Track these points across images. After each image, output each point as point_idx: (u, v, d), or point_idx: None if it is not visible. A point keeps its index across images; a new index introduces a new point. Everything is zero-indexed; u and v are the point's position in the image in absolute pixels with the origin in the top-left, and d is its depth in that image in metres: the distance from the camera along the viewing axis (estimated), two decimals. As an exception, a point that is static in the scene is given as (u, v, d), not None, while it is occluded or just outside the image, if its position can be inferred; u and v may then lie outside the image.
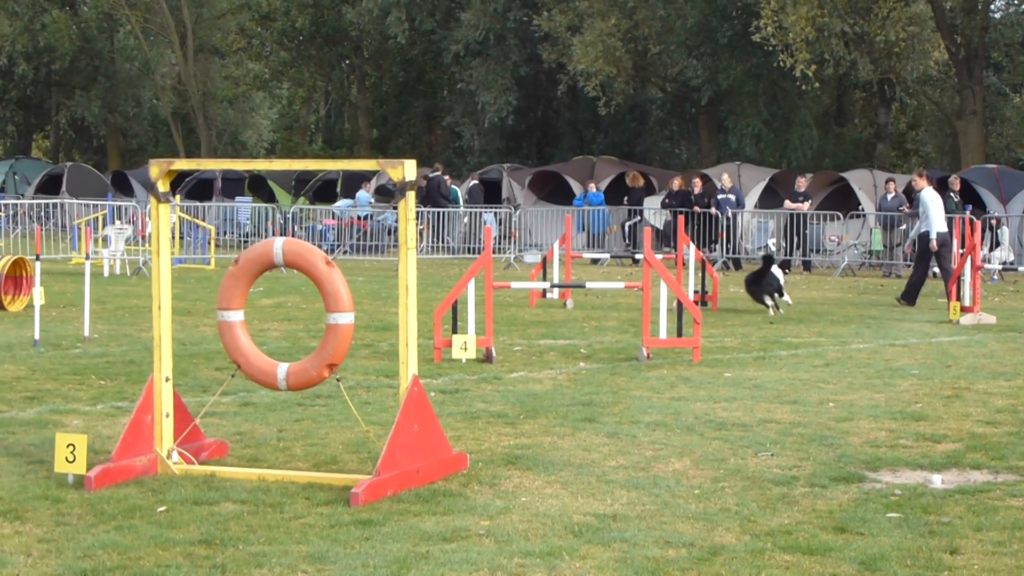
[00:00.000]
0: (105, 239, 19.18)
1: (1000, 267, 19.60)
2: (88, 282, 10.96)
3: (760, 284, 13.91)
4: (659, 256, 11.42)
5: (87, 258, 11.45)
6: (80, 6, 41.24)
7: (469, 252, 23.15)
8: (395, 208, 20.20)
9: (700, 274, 14.56)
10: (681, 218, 16.20)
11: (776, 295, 13.97)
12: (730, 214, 22.36)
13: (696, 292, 14.11)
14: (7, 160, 39.15)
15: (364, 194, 25.76)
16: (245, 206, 26.37)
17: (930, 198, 15.21)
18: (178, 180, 27.64)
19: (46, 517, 5.08)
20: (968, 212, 19.69)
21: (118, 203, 23.06)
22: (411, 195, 5.62)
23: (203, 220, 22.64)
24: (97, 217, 20.83)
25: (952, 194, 20.95)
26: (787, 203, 22.38)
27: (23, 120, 44.85)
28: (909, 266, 21.41)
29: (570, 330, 11.89)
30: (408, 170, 5.62)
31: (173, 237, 19.90)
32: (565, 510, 5.27)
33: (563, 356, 10.07)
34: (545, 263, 14.77)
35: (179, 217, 20.96)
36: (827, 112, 34.68)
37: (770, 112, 29.84)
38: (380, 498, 5.35)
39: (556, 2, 29.41)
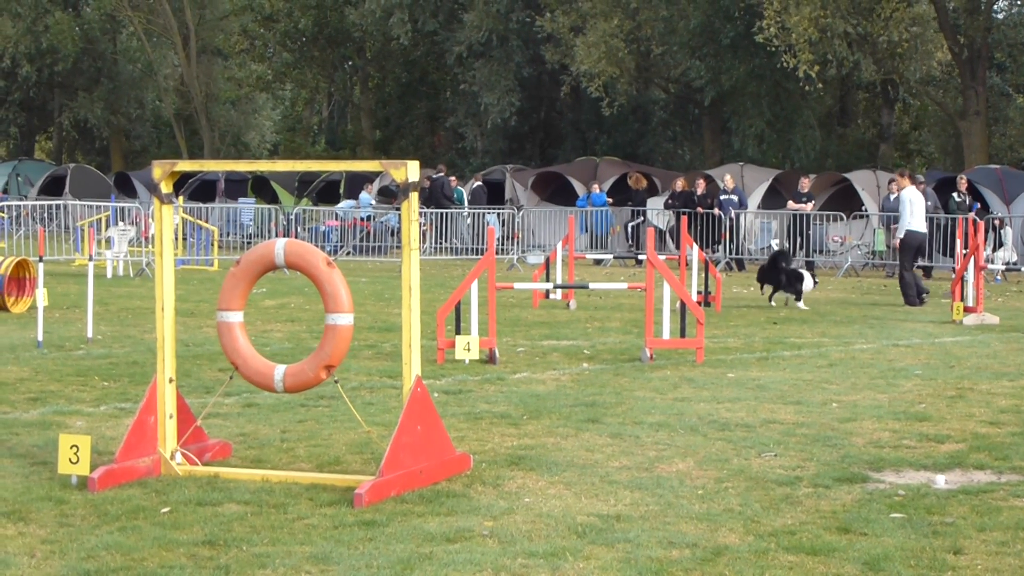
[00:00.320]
0: (108, 240, 19.20)
1: (1003, 267, 19.56)
2: (91, 283, 10.97)
3: (779, 276, 14.23)
4: (662, 256, 11.41)
5: (90, 259, 11.45)
6: (83, 7, 41.29)
7: (472, 253, 23.15)
8: (398, 209, 20.20)
9: (703, 275, 14.55)
10: (684, 219, 16.18)
11: (791, 293, 14.30)
12: (733, 215, 22.35)
13: (699, 293, 14.11)
14: (10, 162, 39.21)
15: (366, 195, 25.77)
16: (248, 207, 26.40)
17: (910, 198, 15.32)
18: (181, 181, 27.66)
19: (50, 518, 5.09)
20: (974, 212, 19.67)
21: (121, 204, 23.08)
22: (414, 196, 5.62)
23: (206, 221, 22.66)
24: (100, 218, 20.86)
25: (956, 194, 20.94)
26: (790, 204, 22.37)
27: (26, 122, 44.92)
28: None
29: (573, 331, 11.89)
30: (411, 171, 5.62)
31: (176, 238, 19.92)
32: (568, 511, 5.27)
33: (566, 357, 10.07)
34: (548, 264, 14.77)
35: (182, 218, 20.98)
36: (830, 113, 34.66)
37: (773, 113, 29.82)
38: (384, 499, 5.35)
39: (559, 3, 29.41)
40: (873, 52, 26.36)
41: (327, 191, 30.33)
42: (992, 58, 30.90)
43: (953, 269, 20.26)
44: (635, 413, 7.47)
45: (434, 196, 24.14)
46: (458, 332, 9.96)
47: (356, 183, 28.61)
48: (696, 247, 14.56)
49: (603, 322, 12.79)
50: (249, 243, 24.03)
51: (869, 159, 32.38)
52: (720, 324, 12.52)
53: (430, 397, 5.83)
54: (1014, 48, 32.24)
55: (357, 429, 6.80)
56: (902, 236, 15.23)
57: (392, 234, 24.41)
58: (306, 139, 46.14)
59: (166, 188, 5.97)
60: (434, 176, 24.62)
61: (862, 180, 24.33)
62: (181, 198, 24.26)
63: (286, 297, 15.07)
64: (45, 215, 24.67)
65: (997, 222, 21.27)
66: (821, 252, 22.49)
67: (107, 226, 20.15)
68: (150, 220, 20.18)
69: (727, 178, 23.07)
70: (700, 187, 23.00)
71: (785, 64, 25.30)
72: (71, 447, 5.55)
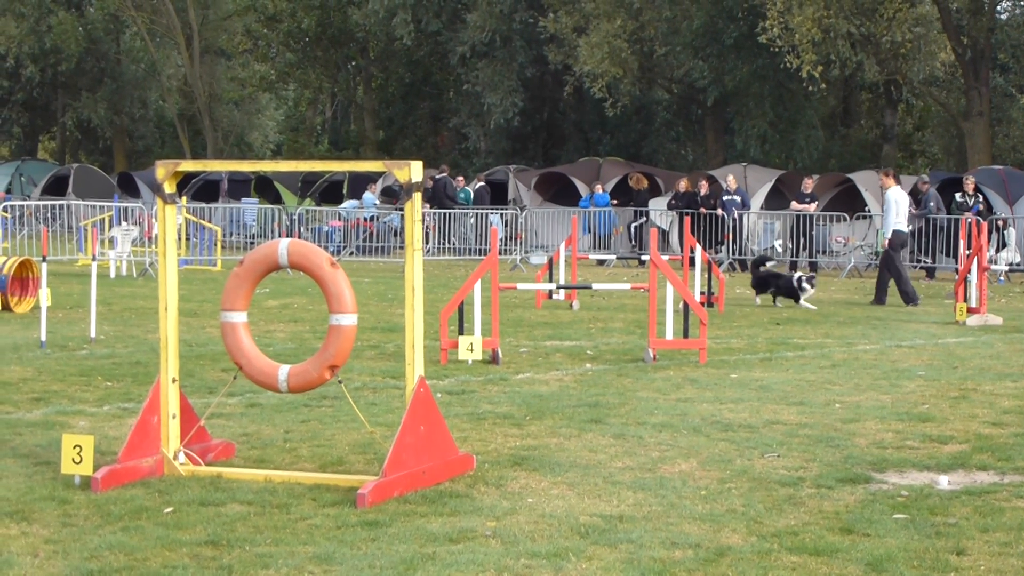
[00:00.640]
0: (111, 240, 19.21)
1: (1007, 268, 19.55)
2: (94, 283, 10.98)
3: (767, 282, 14.31)
4: (665, 257, 11.42)
5: (93, 259, 11.46)
6: (86, 7, 41.34)
7: (475, 253, 23.16)
8: (401, 209, 20.11)
9: (706, 275, 14.55)
10: (688, 219, 16.18)
11: (789, 298, 14.38)
12: (736, 215, 22.34)
13: (702, 293, 14.10)
14: (13, 161, 39.24)
15: (369, 195, 25.78)
16: (251, 207, 26.41)
17: (895, 198, 15.41)
18: (184, 181, 27.69)
19: (53, 518, 5.09)
20: (973, 213, 19.66)
21: (124, 204, 23.11)
22: (417, 196, 5.62)
23: (209, 221, 22.68)
24: (103, 218, 20.88)
25: (959, 194, 20.92)
26: (793, 204, 22.36)
27: (29, 121, 44.96)
28: (915, 266, 21.43)
29: (576, 331, 11.89)
30: (414, 171, 5.63)
31: (179, 238, 19.92)
32: (571, 511, 5.27)
33: (569, 357, 10.07)
34: (551, 264, 14.77)
35: (185, 218, 20.99)
36: (833, 113, 34.64)
37: (776, 113, 29.80)
38: (386, 499, 5.35)
39: (562, 3, 29.40)
40: (876, 53, 26.33)
41: (330, 191, 30.34)
42: (995, 59, 30.87)
43: (956, 270, 20.27)
44: (638, 414, 7.47)
45: (437, 196, 24.15)
46: (461, 332, 9.97)
47: (359, 183, 28.62)
48: (699, 248, 14.56)
49: (606, 323, 12.79)
50: (252, 243, 24.04)
51: (872, 160, 32.35)
52: (723, 325, 12.51)
53: (433, 397, 5.83)
54: (1017, 49, 32.22)
55: (360, 429, 6.80)
56: (888, 236, 15.30)
57: (395, 234, 24.42)
58: (309, 139, 46.15)
59: (169, 188, 5.98)
60: (437, 176, 24.62)
61: (865, 181, 24.30)
62: (184, 198, 24.27)
63: (289, 297, 15.08)
64: (48, 215, 24.69)
65: (1000, 223, 21.25)
66: (824, 253, 22.47)
67: (110, 226, 20.17)
68: (153, 220, 20.20)
69: (730, 178, 23.07)
70: (703, 188, 22.99)
71: (788, 64, 25.28)
72: (74, 447, 5.56)
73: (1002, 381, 8.96)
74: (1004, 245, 21.05)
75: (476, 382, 8.67)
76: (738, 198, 22.51)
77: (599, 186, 25.55)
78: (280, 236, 22.63)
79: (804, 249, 22.00)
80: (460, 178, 26.07)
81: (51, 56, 38.38)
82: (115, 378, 8.62)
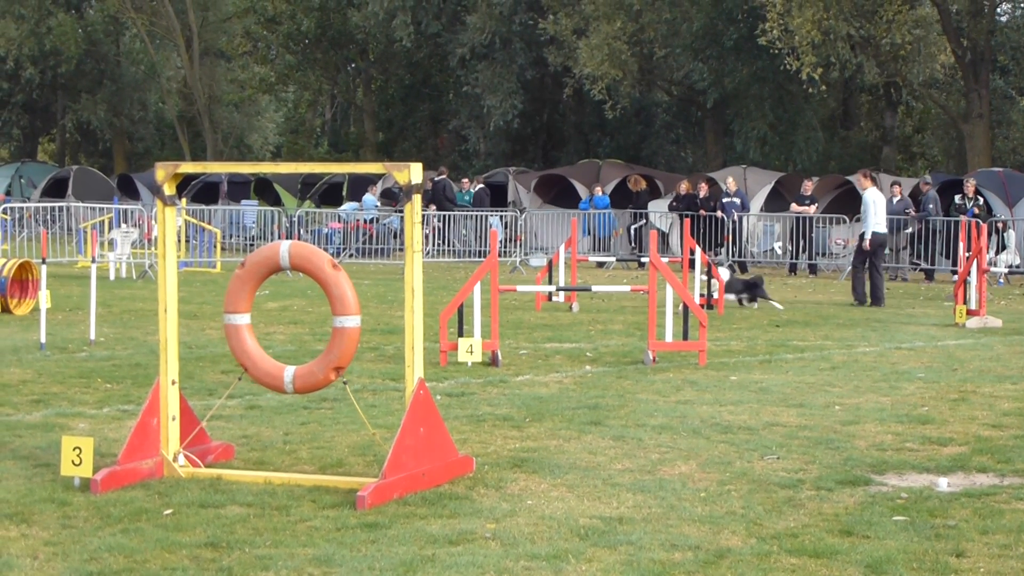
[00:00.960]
0: (111, 242, 19.21)
1: (1006, 270, 19.55)
2: (94, 285, 10.98)
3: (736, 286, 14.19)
4: (665, 259, 11.42)
5: (93, 261, 11.47)
6: (86, 9, 41.36)
7: (475, 255, 23.16)
8: (401, 211, 20.10)
9: (706, 277, 14.54)
10: (687, 221, 16.18)
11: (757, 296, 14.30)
12: (735, 217, 22.35)
13: (702, 295, 14.10)
14: (13, 163, 39.24)
15: (370, 198, 25.77)
16: (251, 209, 26.41)
17: (872, 199, 15.50)
18: (184, 183, 27.68)
19: (52, 520, 5.09)
20: (970, 216, 19.69)
21: (124, 206, 23.10)
22: (417, 198, 5.63)
23: (209, 223, 22.68)
24: (103, 220, 20.88)
25: (958, 196, 20.94)
26: (793, 206, 22.37)
27: (29, 123, 44.97)
28: (914, 269, 21.44)
29: (576, 333, 11.89)
30: (414, 173, 5.63)
31: (179, 240, 19.92)
32: (571, 513, 5.27)
33: (569, 359, 10.07)
34: (551, 266, 14.77)
35: (185, 220, 20.99)
36: (833, 115, 34.64)
37: (776, 115, 29.81)
38: (386, 501, 5.35)
39: (562, 5, 29.41)
40: (876, 55, 26.35)
41: (330, 193, 30.34)
42: (995, 61, 30.87)
43: (953, 272, 20.28)
44: (637, 416, 7.47)
45: (436, 198, 24.15)
46: (461, 334, 9.97)
47: (359, 185, 28.62)
48: (699, 250, 14.56)
49: (606, 325, 12.79)
50: (252, 245, 24.04)
51: (872, 162, 32.35)
52: (722, 327, 12.51)
53: (433, 399, 5.83)
54: (1017, 51, 32.21)
55: (360, 431, 6.80)
56: (868, 238, 15.39)
57: (394, 236, 24.42)
58: (309, 141, 46.16)
59: (169, 190, 5.98)
60: (436, 179, 24.62)
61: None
62: (184, 200, 24.28)
63: (288, 299, 15.08)
64: (48, 217, 24.69)
65: (1000, 225, 21.26)
66: (824, 255, 22.48)
67: (110, 228, 20.18)
68: (153, 222, 20.21)
69: (729, 180, 23.07)
70: (703, 190, 23.00)
71: (788, 67, 25.29)
72: (74, 449, 5.56)
73: (1002, 383, 8.96)
74: (1004, 247, 21.06)
75: (476, 384, 8.67)
76: (738, 200, 22.52)
77: (599, 188, 25.56)
78: (280, 238, 22.64)
79: (804, 251, 22.00)
80: (465, 180, 26.07)
81: (51, 58, 38.39)
82: (115, 380, 8.62)
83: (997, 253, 20.47)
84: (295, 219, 24.07)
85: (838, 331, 12.43)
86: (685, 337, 10.29)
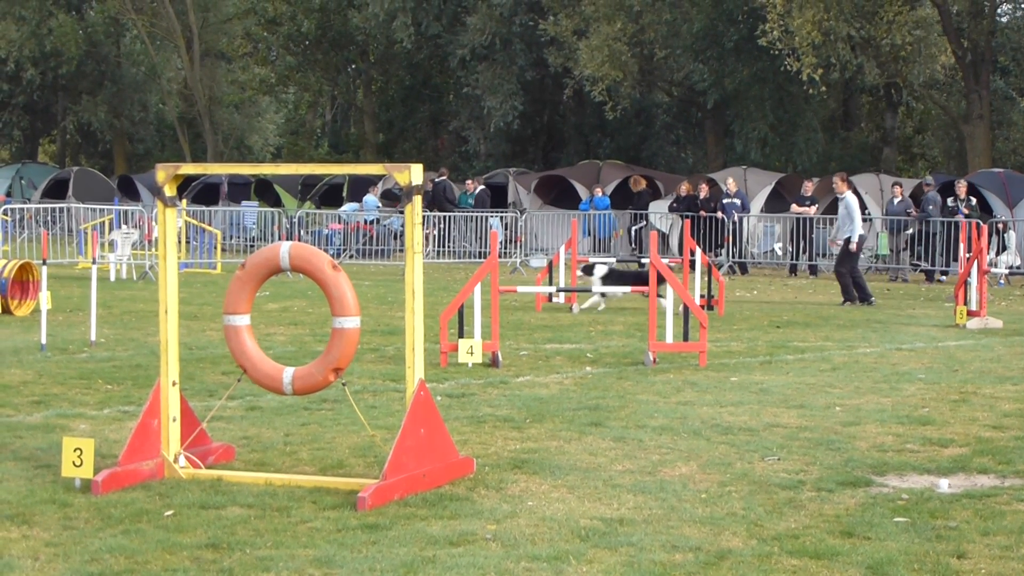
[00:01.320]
0: (111, 243, 19.22)
1: (1007, 271, 19.55)
2: (95, 286, 10.98)
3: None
4: (665, 260, 11.42)
5: (93, 262, 11.46)
6: (87, 10, 41.36)
7: (475, 256, 23.16)
8: (401, 212, 20.13)
9: (706, 278, 14.55)
10: (687, 222, 16.19)
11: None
12: (736, 218, 22.35)
13: (702, 296, 14.10)
14: (14, 165, 39.24)
15: (371, 198, 25.78)
16: (251, 210, 26.42)
17: (854, 202, 15.67)
18: (184, 184, 27.69)
19: (53, 521, 5.09)
20: (960, 216, 19.74)
21: (124, 207, 23.11)
22: (418, 199, 5.62)
23: (209, 224, 22.68)
24: (103, 221, 20.88)
25: (951, 199, 20.96)
26: (793, 207, 22.37)
27: (29, 125, 44.97)
28: (914, 270, 21.44)
29: (576, 334, 11.89)
30: (415, 174, 5.63)
31: (179, 241, 19.93)
32: (572, 514, 5.27)
33: (569, 360, 10.07)
34: (551, 267, 14.76)
35: (185, 221, 21.00)
36: (833, 116, 34.64)
37: (776, 116, 29.81)
38: (387, 502, 5.35)
39: (562, 6, 29.42)
40: (876, 55, 26.34)
41: (330, 194, 30.35)
42: (996, 62, 30.87)
43: (944, 272, 20.30)
44: (638, 417, 7.47)
45: (436, 200, 24.15)
46: (461, 335, 9.97)
47: (359, 186, 28.62)
48: (699, 250, 14.56)
49: (606, 326, 12.79)
50: (252, 246, 24.04)
51: (872, 163, 32.36)
52: (723, 328, 12.51)
53: (433, 400, 5.83)
54: (1018, 52, 32.22)
55: (360, 432, 6.80)
56: (855, 240, 15.54)
57: (395, 237, 24.42)
58: (309, 142, 46.17)
59: (170, 191, 5.98)
60: (436, 180, 24.62)
61: (865, 184, 24.31)
62: (184, 201, 24.28)
63: (289, 300, 15.08)
64: (48, 218, 24.70)
65: (1000, 226, 21.25)
66: (824, 256, 22.47)
67: (110, 229, 20.18)
68: (153, 223, 20.21)
69: (730, 181, 23.07)
70: (703, 191, 23.00)
71: (788, 67, 25.29)
72: (75, 450, 5.56)
73: (1002, 384, 8.95)
74: (1004, 248, 21.06)
75: (476, 385, 8.67)
76: (738, 201, 22.52)
77: (599, 189, 25.56)
78: (280, 239, 22.64)
79: (804, 252, 22.00)
80: (469, 181, 26.08)
81: (51, 59, 38.39)
82: (115, 381, 8.62)
83: (998, 254, 20.47)
84: (295, 220, 24.07)
85: (839, 332, 12.43)
86: (685, 338, 10.29)
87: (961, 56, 27.03)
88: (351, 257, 23.37)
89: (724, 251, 22.35)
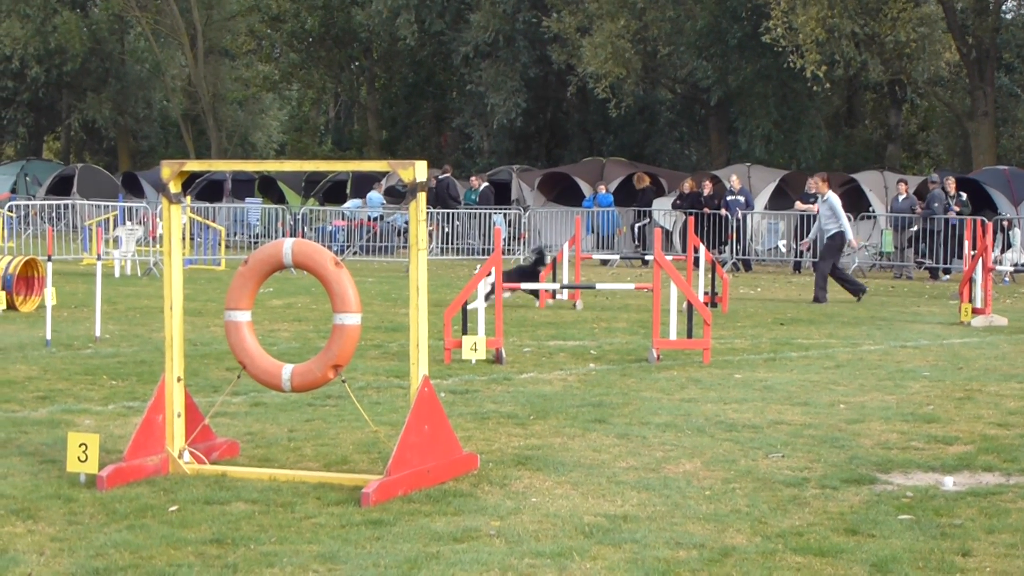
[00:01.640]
0: (116, 240, 19.24)
1: (1012, 269, 19.52)
2: (99, 283, 11.00)
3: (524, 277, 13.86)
4: (669, 257, 11.41)
5: (98, 259, 11.48)
6: (91, 8, 41.37)
7: (479, 253, 23.15)
8: (405, 209, 20.10)
9: (710, 275, 14.54)
10: (691, 219, 16.18)
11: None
12: (739, 215, 22.33)
13: (706, 293, 14.09)
14: (18, 161, 39.31)
15: (376, 195, 25.78)
16: (255, 207, 26.43)
17: (837, 201, 15.79)
18: (188, 181, 27.65)
19: (58, 516, 5.10)
20: (950, 213, 19.79)
21: (129, 204, 23.14)
22: (422, 196, 5.62)
23: (213, 221, 22.70)
24: (108, 218, 20.90)
25: (948, 193, 20.96)
26: (797, 204, 22.34)
27: (34, 122, 45.02)
28: (919, 267, 21.41)
29: (580, 331, 11.89)
30: (419, 171, 5.63)
31: (183, 238, 19.91)
32: (575, 511, 5.27)
33: (573, 357, 10.07)
34: (555, 264, 14.76)
35: (189, 218, 21.02)
36: (837, 113, 34.59)
37: (780, 113, 29.78)
38: (391, 498, 5.35)
39: (565, 3, 29.39)
40: (880, 52, 26.30)
41: (334, 191, 30.36)
42: (1000, 59, 30.81)
43: (940, 270, 20.28)
44: (642, 414, 7.47)
45: (440, 197, 24.16)
46: (465, 332, 9.97)
47: (363, 183, 28.63)
48: (703, 248, 14.55)
49: (610, 323, 12.79)
50: (256, 243, 24.05)
51: (876, 160, 32.31)
52: (727, 325, 12.50)
53: (437, 397, 5.83)
54: (1022, 49, 32.15)
55: (364, 428, 6.80)
56: (851, 238, 15.75)
57: (399, 234, 24.42)
58: (313, 139, 46.17)
59: (175, 188, 5.98)
60: (440, 177, 24.62)
61: (869, 181, 24.29)
62: (188, 198, 24.29)
63: (293, 296, 15.09)
64: (53, 215, 24.73)
65: (1005, 223, 21.22)
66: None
67: (115, 226, 20.20)
68: (158, 220, 20.23)
69: (733, 179, 23.05)
70: (707, 188, 22.98)
71: (792, 64, 25.26)
72: (80, 445, 5.57)
73: (1007, 382, 8.94)
74: (1009, 246, 21.03)
75: (480, 381, 8.67)
76: (742, 198, 22.50)
77: (602, 186, 25.54)
78: (284, 236, 22.65)
79: (808, 250, 21.98)
80: (473, 178, 26.08)
81: (56, 56, 38.43)
82: (120, 377, 8.63)
83: (1003, 252, 20.44)
84: (299, 217, 24.09)
85: (843, 329, 12.41)
86: (689, 335, 10.29)
87: (966, 53, 26.98)
88: (355, 254, 23.38)
89: (728, 248, 22.33)
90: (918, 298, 17.02)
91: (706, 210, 22.35)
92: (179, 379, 5.93)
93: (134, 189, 32.99)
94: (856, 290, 15.75)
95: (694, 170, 30.98)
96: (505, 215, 24.40)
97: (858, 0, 25.20)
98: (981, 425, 7.28)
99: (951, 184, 20.96)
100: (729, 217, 22.25)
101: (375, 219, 24.58)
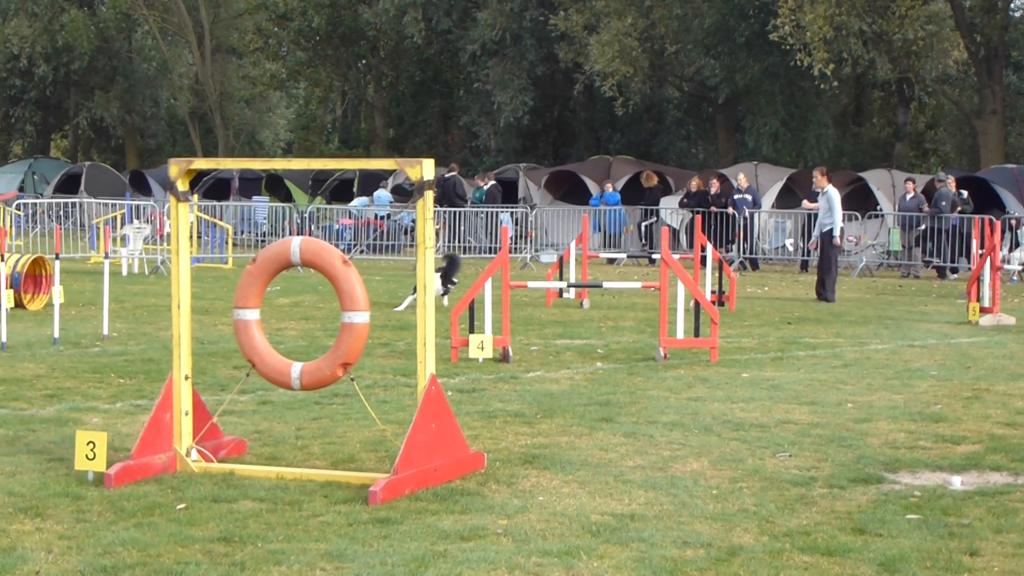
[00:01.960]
0: (123, 238, 19.28)
1: (1020, 268, 19.46)
2: (107, 281, 11.02)
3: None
4: (676, 256, 11.40)
5: (106, 257, 11.51)
6: (98, 6, 41.45)
7: (486, 252, 23.16)
8: (412, 208, 20.10)
9: (718, 274, 14.53)
10: (699, 218, 16.16)
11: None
12: (747, 214, 22.29)
13: (713, 292, 14.08)
14: (26, 160, 39.41)
15: (384, 193, 25.78)
16: (262, 205, 26.47)
17: (837, 196, 15.84)
18: (195, 180, 27.74)
19: (67, 514, 5.11)
20: (957, 211, 19.75)
21: (136, 202, 23.19)
22: (429, 195, 5.62)
23: (221, 219, 22.73)
24: (115, 216, 20.94)
25: (950, 191, 20.92)
26: (805, 203, 22.28)
27: (42, 120, 45.12)
28: (926, 266, 21.36)
29: (587, 330, 11.88)
30: (426, 169, 5.63)
31: (191, 236, 19.96)
32: (583, 509, 5.26)
33: (580, 356, 10.07)
34: (562, 263, 14.75)
35: (197, 216, 21.05)
36: (845, 111, 34.52)
37: (787, 111, 29.73)
38: (398, 496, 5.36)
39: (572, 1, 29.36)
40: (888, 50, 26.23)
41: (341, 190, 30.38)
42: (1009, 57, 30.71)
43: (947, 269, 20.22)
44: (649, 412, 7.46)
45: (446, 195, 24.16)
46: (472, 331, 9.97)
47: (370, 181, 28.65)
48: (710, 246, 14.53)
49: (617, 321, 12.78)
50: (263, 241, 24.10)
51: (884, 158, 32.24)
52: (734, 324, 12.49)
53: (444, 395, 5.83)
54: (1031, 47, 32.02)
55: (371, 427, 6.81)
56: (837, 234, 15.70)
57: (405, 232, 24.43)
58: (320, 137, 46.19)
59: (182, 186, 5.99)
60: (447, 175, 24.63)
61: (877, 179, 24.23)
62: (196, 196, 24.33)
63: (300, 295, 15.10)
64: (61, 213, 24.80)
65: (1013, 222, 21.16)
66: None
67: (122, 224, 20.23)
68: (165, 218, 20.27)
69: (741, 177, 23.02)
70: (714, 186, 22.95)
71: (800, 62, 25.20)
72: (88, 443, 5.58)
73: (1015, 381, 8.92)
74: (1017, 244, 20.97)
75: (487, 380, 8.68)
76: (749, 197, 22.46)
77: (609, 184, 25.52)
78: (291, 234, 22.68)
79: (815, 248, 21.92)
80: (479, 177, 26.08)
81: (63, 55, 38.51)
82: (128, 375, 8.65)
83: (1011, 250, 20.39)
84: (306, 215, 24.11)
85: (850, 328, 12.39)
86: (696, 334, 10.28)
87: (974, 51, 26.90)
88: (362, 252, 23.40)
89: (735, 247, 22.30)
90: (926, 297, 16.98)
91: (713, 209, 22.32)
92: (187, 377, 5.94)
93: (141, 187, 33.05)
94: (825, 295, 15.58)
95: (701, 168, 30.93)
96: (512, 213, 24.39)
97: (866, -2, 25.15)
98: (989, 424, 7.26)
99: (951, 183, 20.91)
100: (736, 216, 22.21)
101: (382, 217, 24.60)
